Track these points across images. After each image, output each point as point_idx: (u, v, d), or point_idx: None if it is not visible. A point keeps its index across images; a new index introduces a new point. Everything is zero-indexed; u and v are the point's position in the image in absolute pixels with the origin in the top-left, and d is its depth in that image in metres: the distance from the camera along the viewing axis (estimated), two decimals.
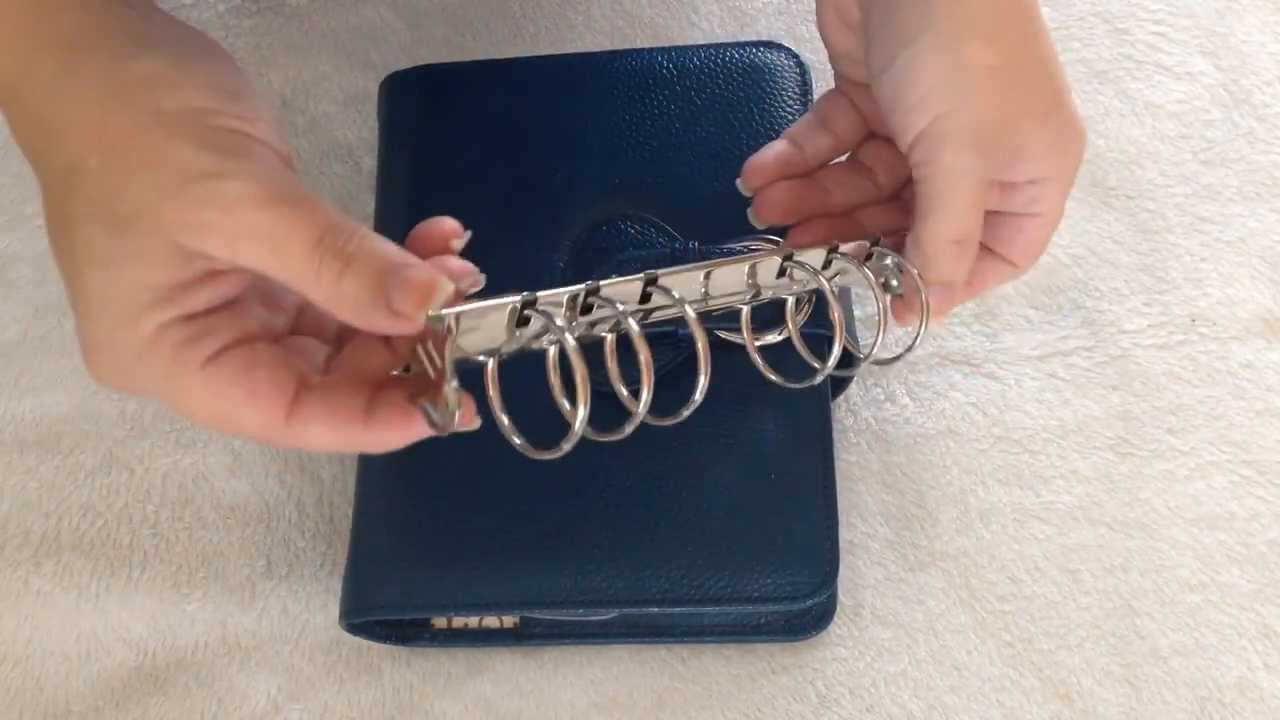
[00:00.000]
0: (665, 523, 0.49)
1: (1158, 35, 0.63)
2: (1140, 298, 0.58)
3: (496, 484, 0.50)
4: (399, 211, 0.56)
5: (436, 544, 0.50)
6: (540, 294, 0.39)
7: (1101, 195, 0.60)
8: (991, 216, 0.46)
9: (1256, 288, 0.58)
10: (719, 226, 0.53)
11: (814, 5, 0.64)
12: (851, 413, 0.56)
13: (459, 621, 0.53)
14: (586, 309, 0.41)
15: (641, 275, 0.41)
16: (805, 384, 0.47)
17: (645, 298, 0.42)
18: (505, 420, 0.39)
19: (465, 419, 0.37)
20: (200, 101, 0.36)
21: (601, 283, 0.40)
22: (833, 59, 0.49)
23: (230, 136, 0.36)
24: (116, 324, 0.36)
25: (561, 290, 0.40)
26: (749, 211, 0.49)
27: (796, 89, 0.56)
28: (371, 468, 0.53)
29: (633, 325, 0.40)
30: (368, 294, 0.36)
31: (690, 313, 0.41)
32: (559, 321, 0.38)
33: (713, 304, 0.44)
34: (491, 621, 0.53)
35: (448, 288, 0.36)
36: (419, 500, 0.51)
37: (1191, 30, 0.63)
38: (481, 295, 0.40)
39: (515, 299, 0.38)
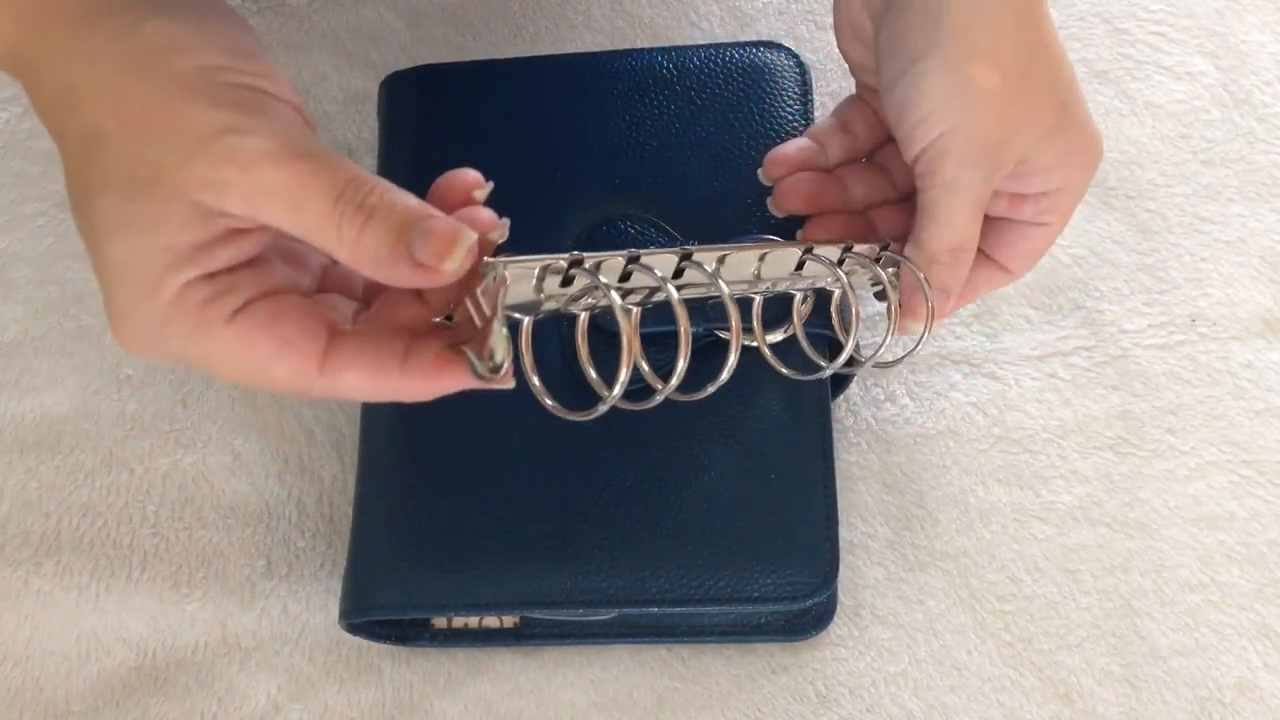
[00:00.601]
0: (665, 523, 0.49)
1: (1158, 35, 0.63)
2: (1140, 298, 0.58)
3: (496, 484, 0.50)
4: None
5: (436, 544, 0.50)
6: (585, 254, 0.39)
7: (1101, 195, 0.60)
8: (998, 223, 0.47)
9: (1256, 288, 0.58)
10: (719, 226, 0.53)
11: (813, 5, 0.64)
12: (851, 413, 0.56)
13: (459, 621, 0.53)
14: (625, 277, 0.41)
15: (678, 249, 0.42)
16: (814, 376, 0.48)
17: (678, 273, 0.42)
18: (536, 381, 0.39)
19: (508, 372, 0.37)
20: (215, 60, 0.36)
21: (641, 251, 0.41)
22: (851, 69, 0.50)
23: (247, 93, 0.36)
24: (140, 288, 0.36)
25: (604, 254, 0.40)
26: (768, 201, 0.50)
27: (796, 89, 0.56)
28: (372, 468, 0.53)
29: (673, 291, 0.40)
30: (388, 247, 0.35)
31: (724, 287, 0.42)
32: (604, 279, 0.39)
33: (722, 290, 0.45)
34: (491, 621, 0.53)
35: (470, 237, 0.36)
36: (419, 500, 0.51)
37: (1191, 30, 0.63)
38: None
39: (564, 256, 0.39)
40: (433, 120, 0.57)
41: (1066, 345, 0.57)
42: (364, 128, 0.62)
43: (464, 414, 0.52)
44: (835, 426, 0.54)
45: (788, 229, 0.51)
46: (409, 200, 0.36)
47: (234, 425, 0.57)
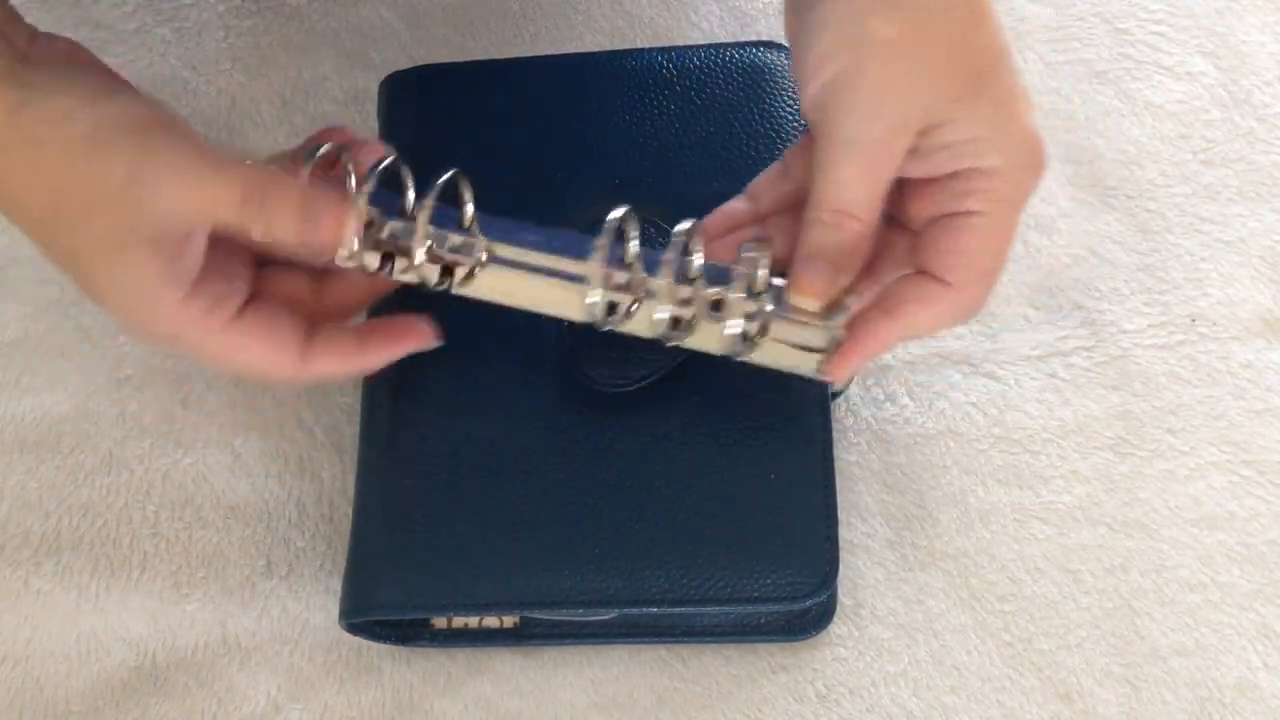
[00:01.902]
0: (665, 523, 0.49)
1: (1158, 35, 0.63)
2: (1140, 298, 0.58)
3: (496, 484, 0.50)
4: None
5: (437, 544, 0.50)
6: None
7: (1101, 195, 0.60)
8: (925, 228, 0.43)
9: (1256, 288, 0.58)
10: None
11: None
12: (851, 413, 0.56)
13: (459, 621, 0.53)
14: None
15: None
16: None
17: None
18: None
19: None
20: (96, 111, 0.41)
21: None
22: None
23: (132, 137, 0.41)
24: (150, 309, 0.43)
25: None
26: None
27: (796, 89, 0.56)
28: (372, 468, 0.53)
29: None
30: (294, 231, 0.43)
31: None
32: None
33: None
34: (491, 621, 0.53)
35: (357, 212, 0.43)
36: (419, 500, 0.51)
37: (1191, 30, 0.63)
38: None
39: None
40: (433, 120, 0.57)
41: (1066, 345, 0.57)
42: (364, 128, 0.62)
43: (464, 414, 0.52)
44: (835, 426, 0.54)
45: None
46: (300, 188, 0.43)
47: (234, 425, 0.57)
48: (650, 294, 0.44)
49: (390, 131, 0.58)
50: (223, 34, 0.64)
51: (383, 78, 0.59)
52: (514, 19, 0.65)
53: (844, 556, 0.51)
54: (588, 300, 0.45)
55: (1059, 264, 0.59)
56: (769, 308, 0.44)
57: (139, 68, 0.63)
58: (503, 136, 0.56)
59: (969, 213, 0.42)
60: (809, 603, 0.49)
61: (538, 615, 0.52)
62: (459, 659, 0.53)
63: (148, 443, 0.57)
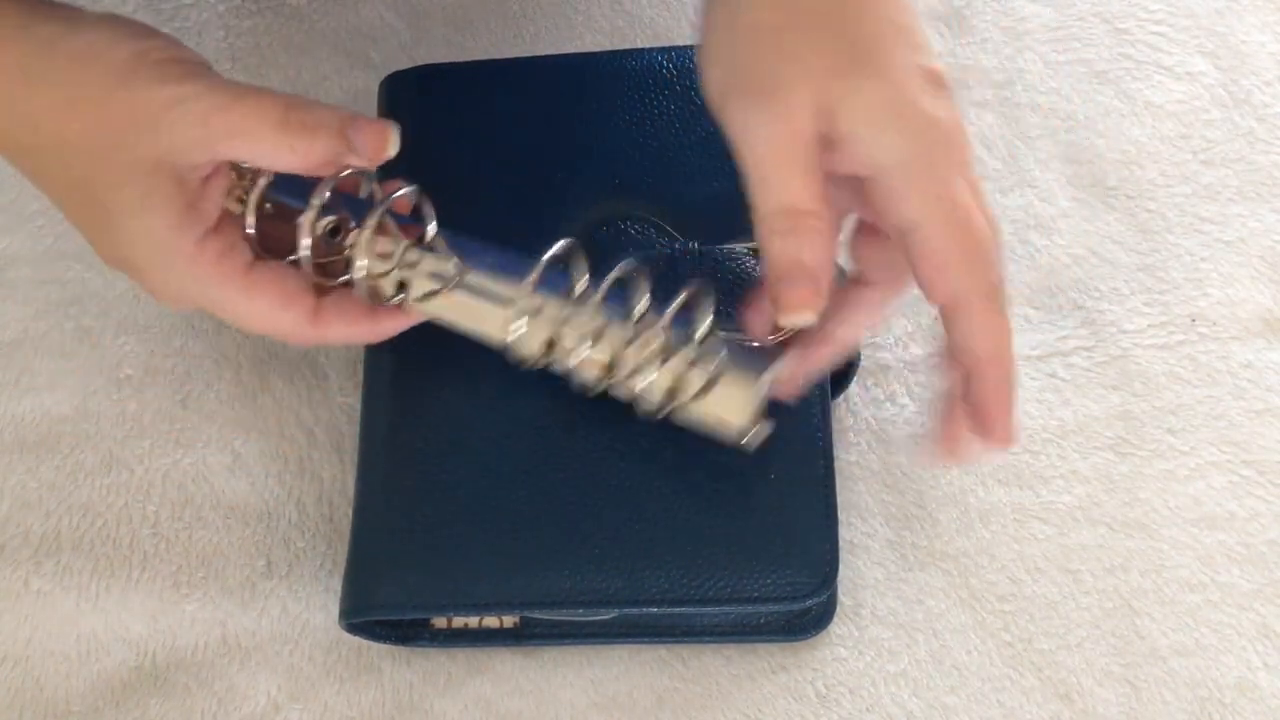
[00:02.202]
0: (665, 523, 0.49)
1: (1158, 35, 0.63)
2: (1140, 298, 0.58)
3: (496, 484, 0.50)
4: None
5: (437, 544, 0.50)
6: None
7: (1101, 195, 0.60)
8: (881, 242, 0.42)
9: (1256, 288, 0.58)
10: (719, 226, 0.53)
11: None
12: (851, 413, 0.56)
13: (459, 621, 0.53)
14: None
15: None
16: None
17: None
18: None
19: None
20: (135, 46, 0.42)
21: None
22: None
23: (171, 66, 0.42)
24: (164, 258, 0.44)
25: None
26: None
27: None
28: (372, 468, 0.53)
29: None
30: (335, 148, 0.43)
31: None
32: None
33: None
34: (491, 621, 0.53)
35: (394, 125, 0.45)
36: (419, 500, 0.51)
37: (1191, 30, 0.63)
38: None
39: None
40: (433, 120, 0.57)
41: (1066, 345, 0.57)
42: None
43: (463, 414, 0.52)
44: (835, 426, 0.54)
45: None
46: (333, 108, 0.44)
47: (234, 425, 0.57)
48: (590, 334, 0.44)
49: None
50: (223, 34, 0.64)
51: (383, 78, 0.59)
52: (514, 19, 0.65)
53: (844, 556, 0.51)
54: (510, 333, 0.44)
55: (1059, 264, 0.59)
56: (722, 353, 0.43)
57: None
58: (503, 136, 0.56)
59: (911, 229, 0.39)
60: (809, 603, 0.49)
61: (538, 615, 0.52)
62: (459, 659, 0.53)
63: (148, 443, 0.57)
